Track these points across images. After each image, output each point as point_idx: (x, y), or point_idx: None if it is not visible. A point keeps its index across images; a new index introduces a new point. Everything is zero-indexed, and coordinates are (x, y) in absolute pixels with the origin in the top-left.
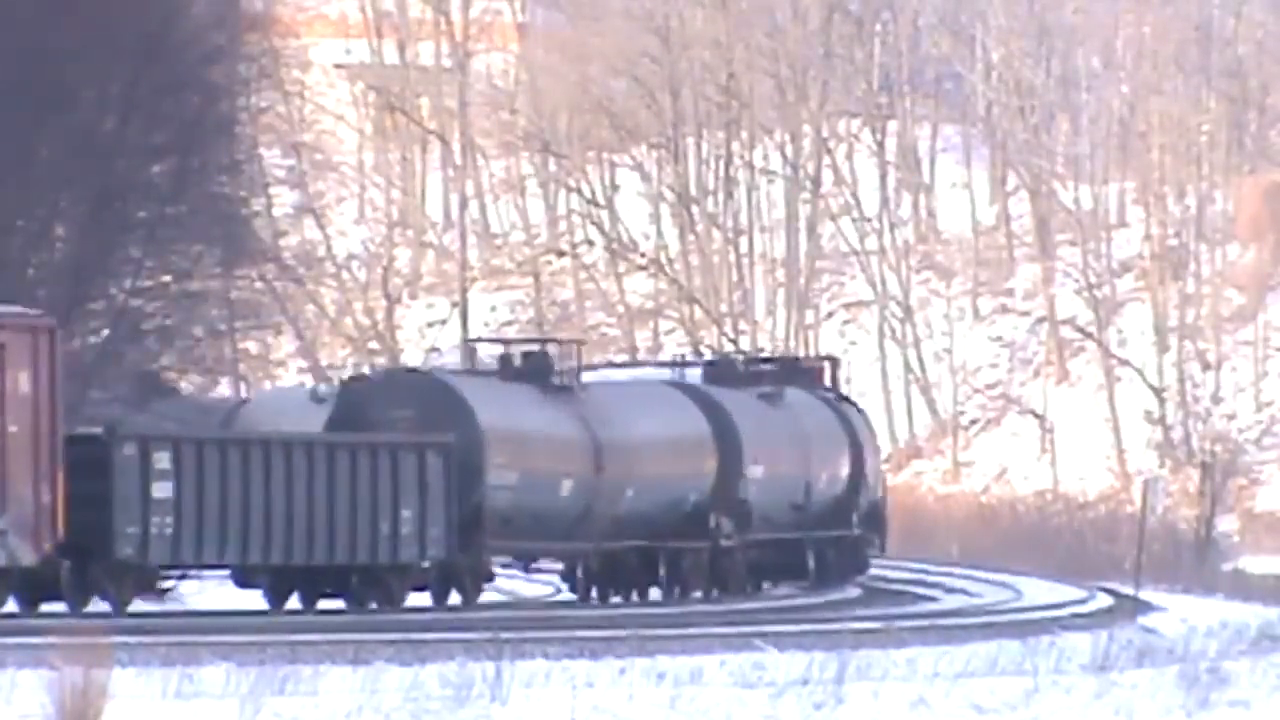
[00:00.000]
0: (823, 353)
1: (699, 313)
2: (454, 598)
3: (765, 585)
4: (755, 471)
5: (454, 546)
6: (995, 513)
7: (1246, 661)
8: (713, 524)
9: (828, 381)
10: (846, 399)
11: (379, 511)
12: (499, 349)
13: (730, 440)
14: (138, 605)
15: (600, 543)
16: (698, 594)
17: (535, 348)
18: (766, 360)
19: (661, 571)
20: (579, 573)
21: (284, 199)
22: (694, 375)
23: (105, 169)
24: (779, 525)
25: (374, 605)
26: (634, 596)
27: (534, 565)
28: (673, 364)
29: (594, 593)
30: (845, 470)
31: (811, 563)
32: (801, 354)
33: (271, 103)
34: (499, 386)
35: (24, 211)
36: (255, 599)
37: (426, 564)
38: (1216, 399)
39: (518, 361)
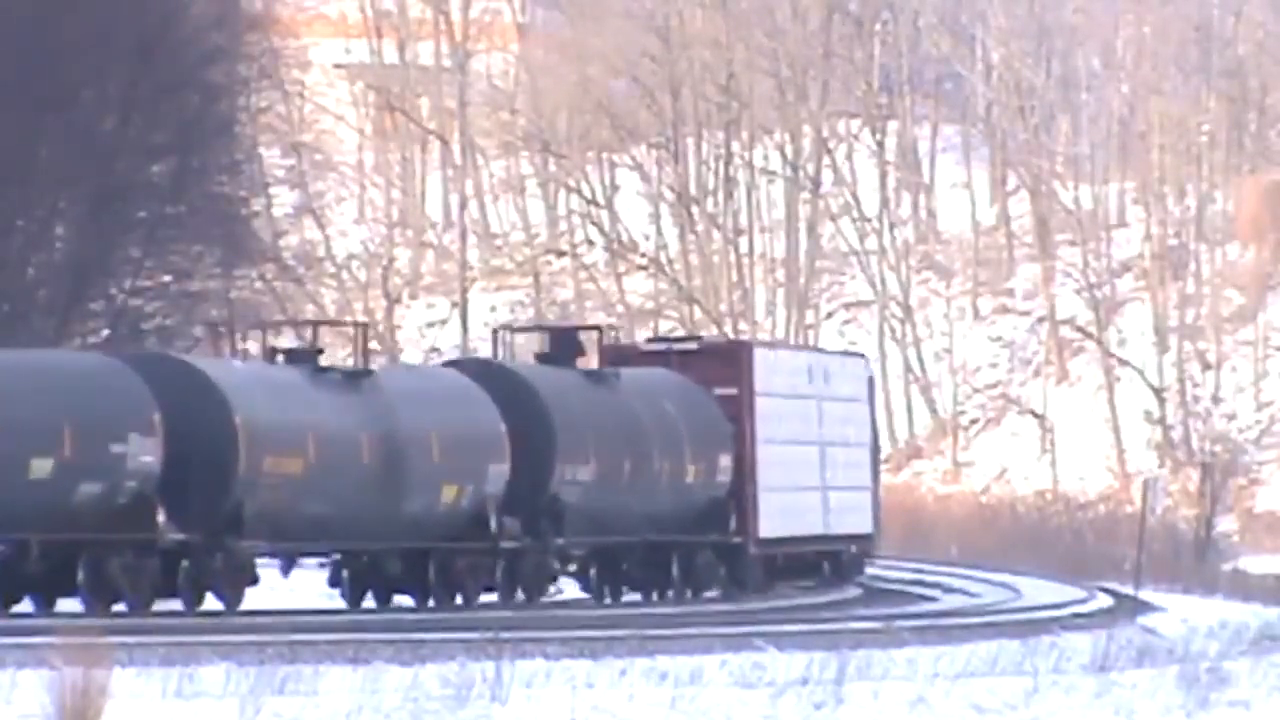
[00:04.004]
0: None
1: (699, 313)
2: None
3: None
4: None
5: None
6: (995, 513)
7: (1246, 661)
8: None
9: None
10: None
11: None
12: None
13: None
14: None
15: None
16: None
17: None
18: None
19: None
20: None
21: (284, 199)
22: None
23: (105, 169)
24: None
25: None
26: None
27: None
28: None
29: None
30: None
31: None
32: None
33: (271, 103)
34: None
35: (24, 211)
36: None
37: None
38: (1216, 399)
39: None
